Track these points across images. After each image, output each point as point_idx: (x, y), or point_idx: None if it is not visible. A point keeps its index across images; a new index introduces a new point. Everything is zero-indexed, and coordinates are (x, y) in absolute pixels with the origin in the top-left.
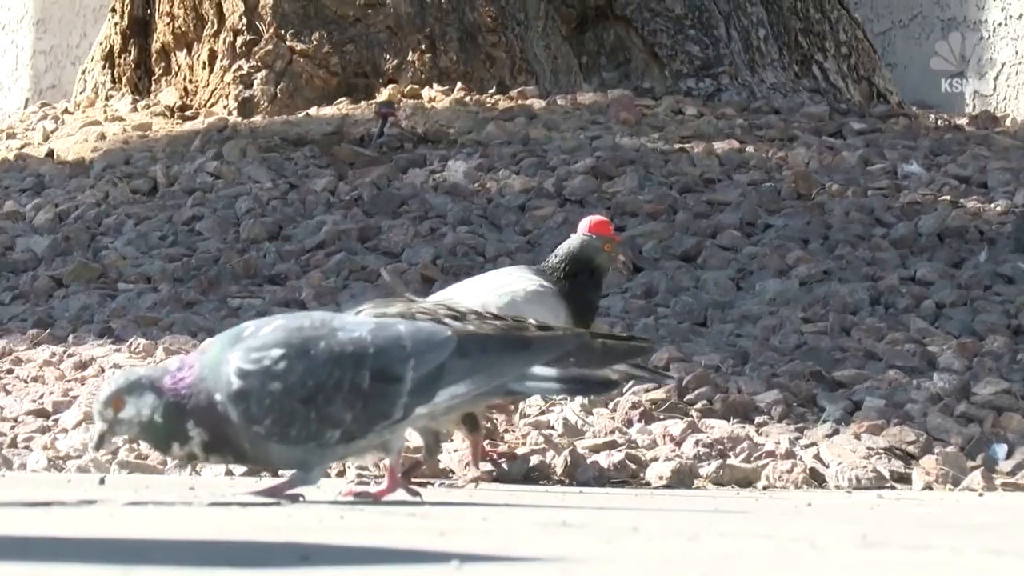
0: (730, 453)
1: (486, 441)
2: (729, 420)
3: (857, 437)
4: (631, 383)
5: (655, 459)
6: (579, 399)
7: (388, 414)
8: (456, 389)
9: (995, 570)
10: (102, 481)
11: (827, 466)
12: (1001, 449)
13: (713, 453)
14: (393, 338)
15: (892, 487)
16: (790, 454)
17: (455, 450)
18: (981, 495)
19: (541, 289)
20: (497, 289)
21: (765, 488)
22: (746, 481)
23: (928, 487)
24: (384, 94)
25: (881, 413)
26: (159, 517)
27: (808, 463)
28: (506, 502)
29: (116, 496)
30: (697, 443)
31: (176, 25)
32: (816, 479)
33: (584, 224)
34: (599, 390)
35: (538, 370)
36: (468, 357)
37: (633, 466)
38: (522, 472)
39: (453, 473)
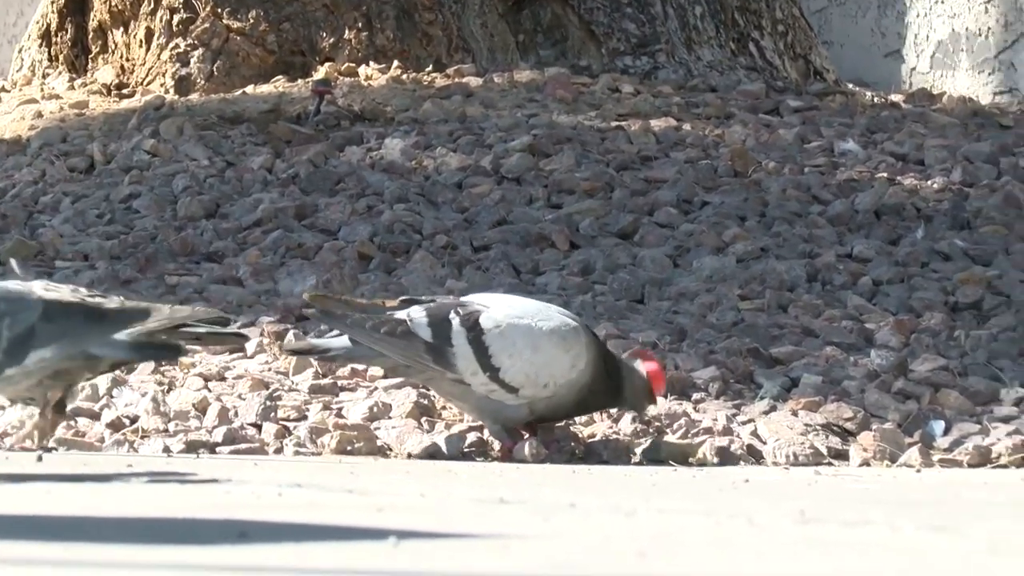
0: (667, 430)
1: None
2: (666, 397)
3: (794, 414)
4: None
5: (592, 436)
6: None
7: None
8: (44, 353)
9: (933, 546)
10: (40, 458)
11: (764, 443)
12: (938, 426)
13: (650, 430)
14: None
15: (830, 463)
16: (727, 431)
17: (393, 427)
18: (919, 471)
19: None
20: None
21: (702, 464)
22: (683, 457)
23: (865, 463)
24: (320, 72)
25: (818, 390)
26: (97, 494)
27: (745, 440)
28: (443, 479)
29: (54, 473)
30: (634, 419)
31: (113, 3)
32: (753, 455)
33: (650, 367)
34: (167, 356)
35: (115, 338)
36: (54, 322)
37: (571, 443)
38: (459, 449)
39: (391, 450)
